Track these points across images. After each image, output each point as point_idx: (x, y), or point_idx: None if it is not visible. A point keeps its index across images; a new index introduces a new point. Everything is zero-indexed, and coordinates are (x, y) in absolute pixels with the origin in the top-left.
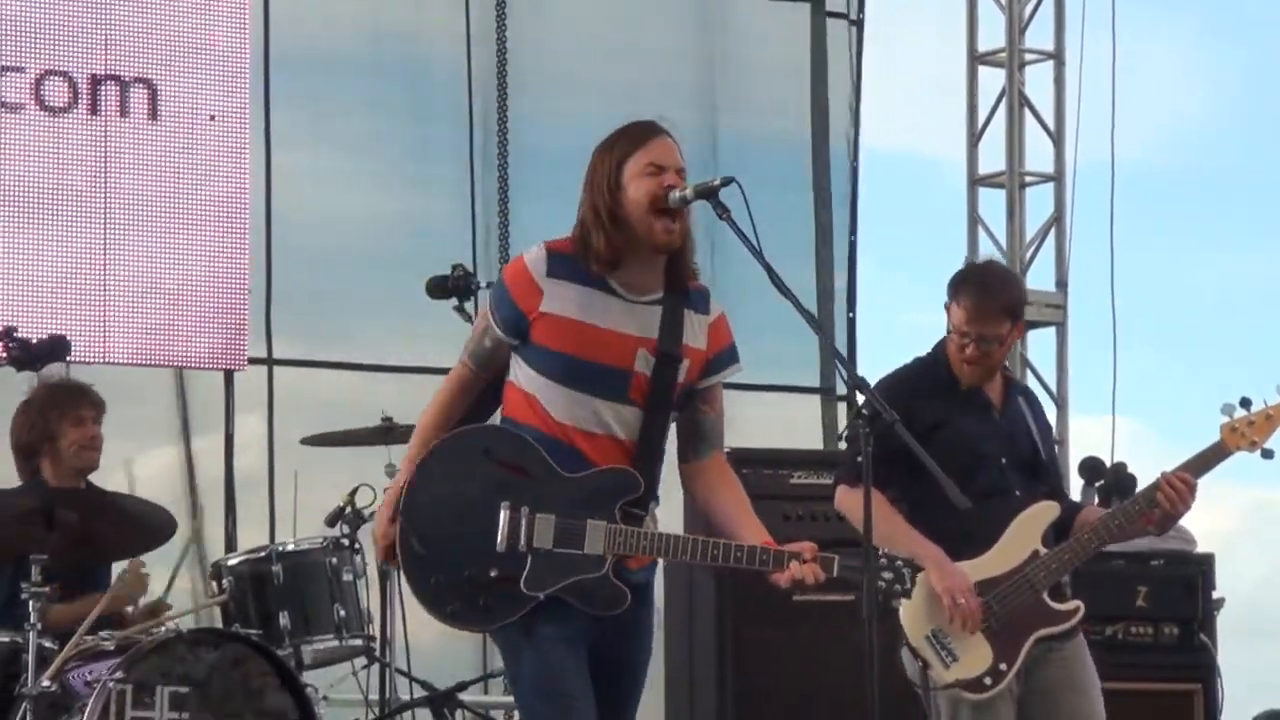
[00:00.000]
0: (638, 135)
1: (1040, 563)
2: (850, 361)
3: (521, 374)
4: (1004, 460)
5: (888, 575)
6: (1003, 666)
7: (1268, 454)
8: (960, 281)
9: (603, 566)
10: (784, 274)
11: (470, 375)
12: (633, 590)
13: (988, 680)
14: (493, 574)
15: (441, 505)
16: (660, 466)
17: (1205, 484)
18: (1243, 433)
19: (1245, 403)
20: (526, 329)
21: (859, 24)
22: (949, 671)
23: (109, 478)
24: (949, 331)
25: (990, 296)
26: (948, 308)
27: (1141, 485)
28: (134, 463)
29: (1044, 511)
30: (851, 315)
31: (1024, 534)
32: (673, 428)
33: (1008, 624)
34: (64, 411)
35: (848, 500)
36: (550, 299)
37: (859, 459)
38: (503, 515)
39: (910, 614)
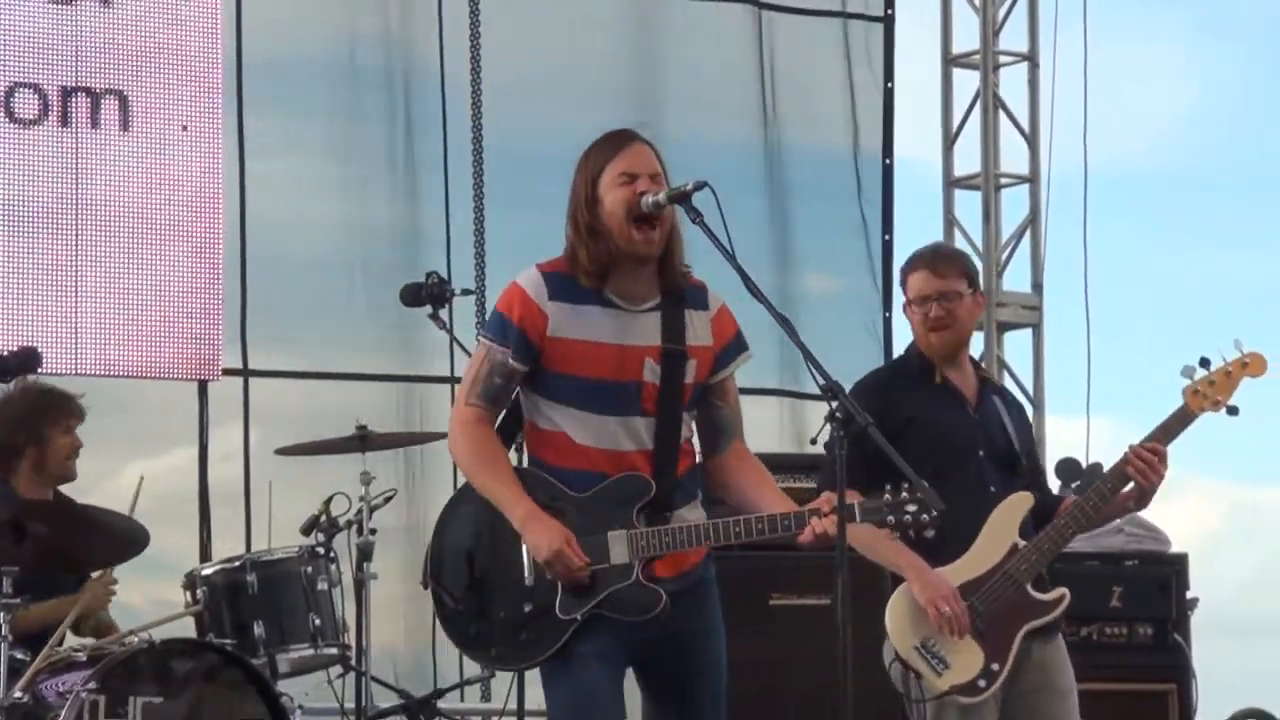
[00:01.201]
0: (611, 145)
1: (1020, 556)
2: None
3: (537, 411)
4: (980, 454)
5: (912, 508)
6: (995, 666)
7: (1233, 411)
8: (910, 259)
9: (631, 574)
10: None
11: (487, 414)
12: (674, 598)
13: (981, 683)
14: (527, 609)
15: (465, 557)
16: (682, 466)
17: (1190, 484)
18: (1204, 394)
19: (1204, 363)
20: (538, 355)
21: (889, 21)
22: (942, 679)
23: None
24: (909, 311)
25: (943, 258)
26: (904, 287)
27: None
28: (108, 475)
29: (1019, 503)
30: (887, 315)
31: (1001, 529)
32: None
33: (994, 622)
34: (55, 417)
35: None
36: (556, 323)
37: (836, 467)
38: (524, 550)
39: (897, 625)
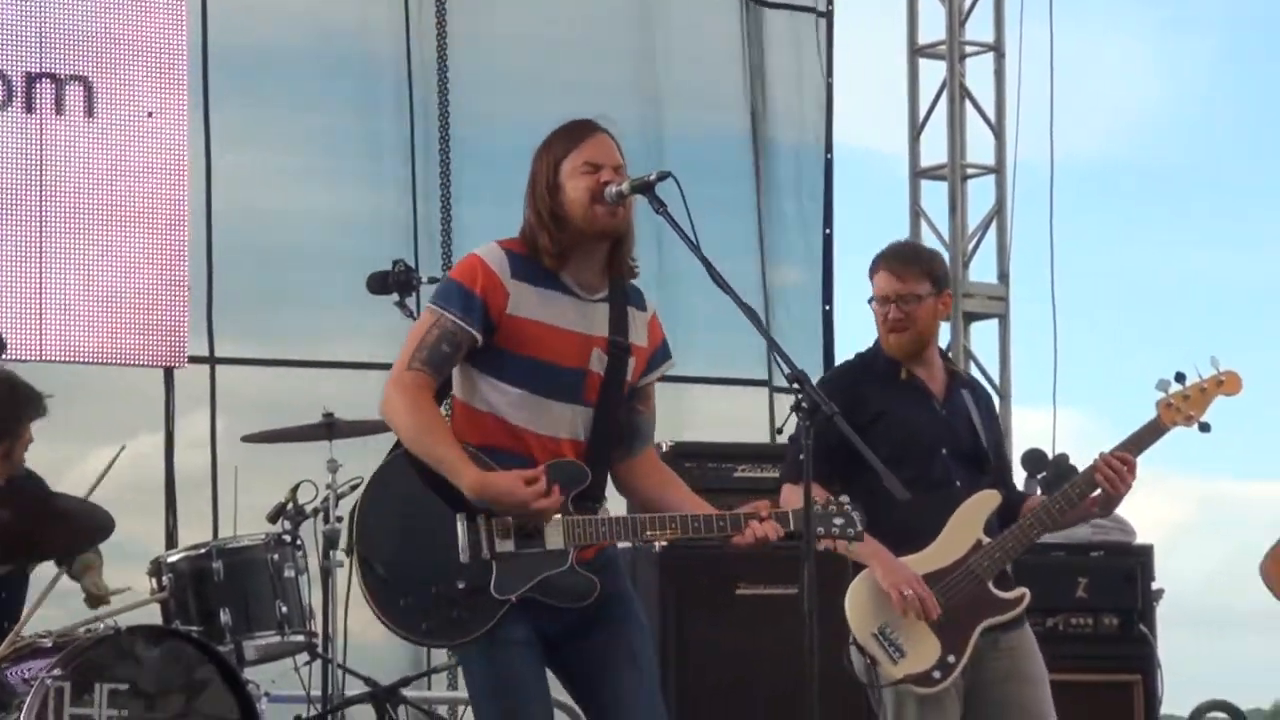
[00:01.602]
0: (574, 134)
1: (984, 552)
2: (828, 355)
3: (473, 388)
4: (944, 451)
5: (839, 521)
6: (951, 659)
7: (1205, 427)
8: (877, 256)
9: (566, 560)
10: (726, 267)
11: (429, 381)
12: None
13: (936, 674)
14: (460, 586)
15: (397, 527)
16: (608, 464)
17: (1159, 476)
18: (1178, 408)
19: (1180, 378)
20: (493, 330)
21: (828, 16)
22: (897, 667)
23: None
24: (873, 307)
25: (906, 259)
26: (872, 280)
27: None
28: (75, 461)
29: (985, 500)
30: (828, 308)
31: (966, 524)
32: None
33: (954, 616)
34: (33, 415)
35: (794, 499)
36: (516, 301)
37: (801, 457)
38: (460, 526)
39: (856, 611)
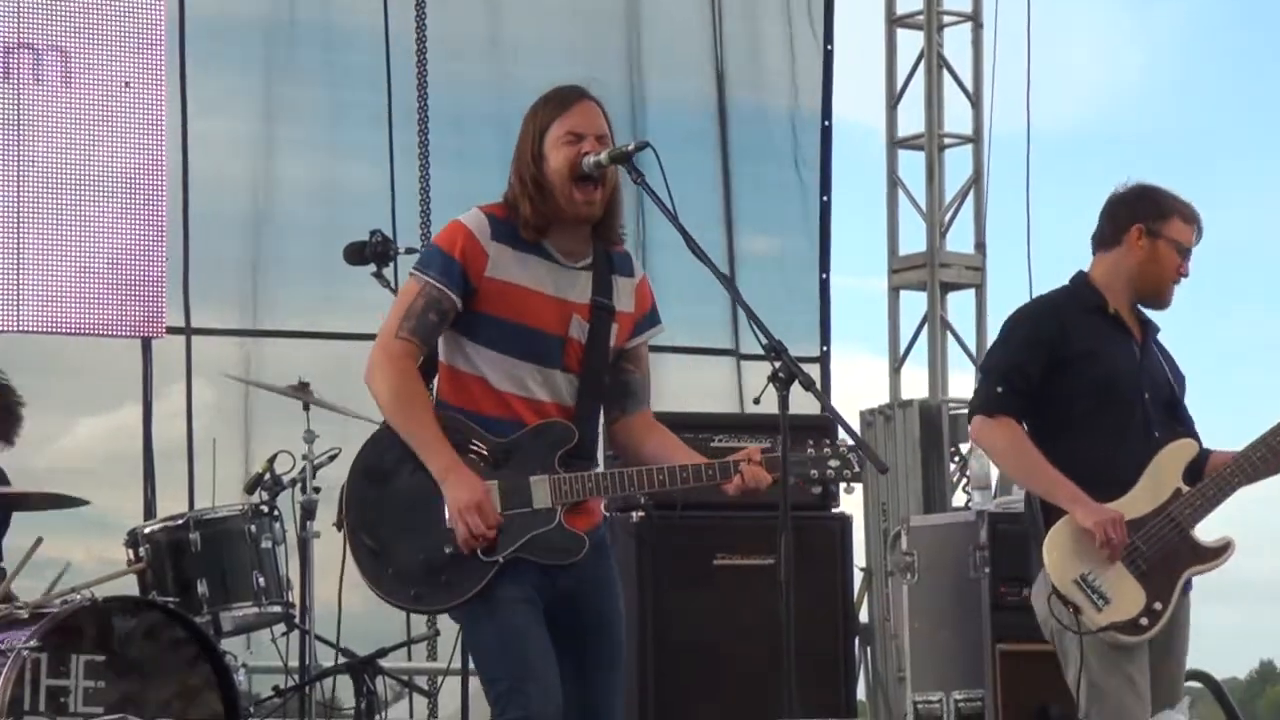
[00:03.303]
0: (560, 101)
1: (1185, 500)
2: (825, 324)
3: (459, 352)
4: (1146, 396)
5: (834, 463)
6: (1158, 606)
7: None
8: (1182, 204)
9: (554, 518)
10: (701, 235)
11: (416, 351)
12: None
13: (1144, 621)
14: (448, 550)
15: (383, 495)
16: (597, 427)
17: None
18: None
19: None
20: (473, 295)
21: None
22: (1101, 614)
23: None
24: (1159, 245)
25: (1199, 218)
26: (1158, 219)
27: None
28: (55, 435)
29: (1184, 449)
30: (825, 276)
31: (1165, 472)
32: None
33: (1157, 563)
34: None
35: (988, 433)
36: (495, 264)
37: (999, 390)
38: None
39: (1057, 558)
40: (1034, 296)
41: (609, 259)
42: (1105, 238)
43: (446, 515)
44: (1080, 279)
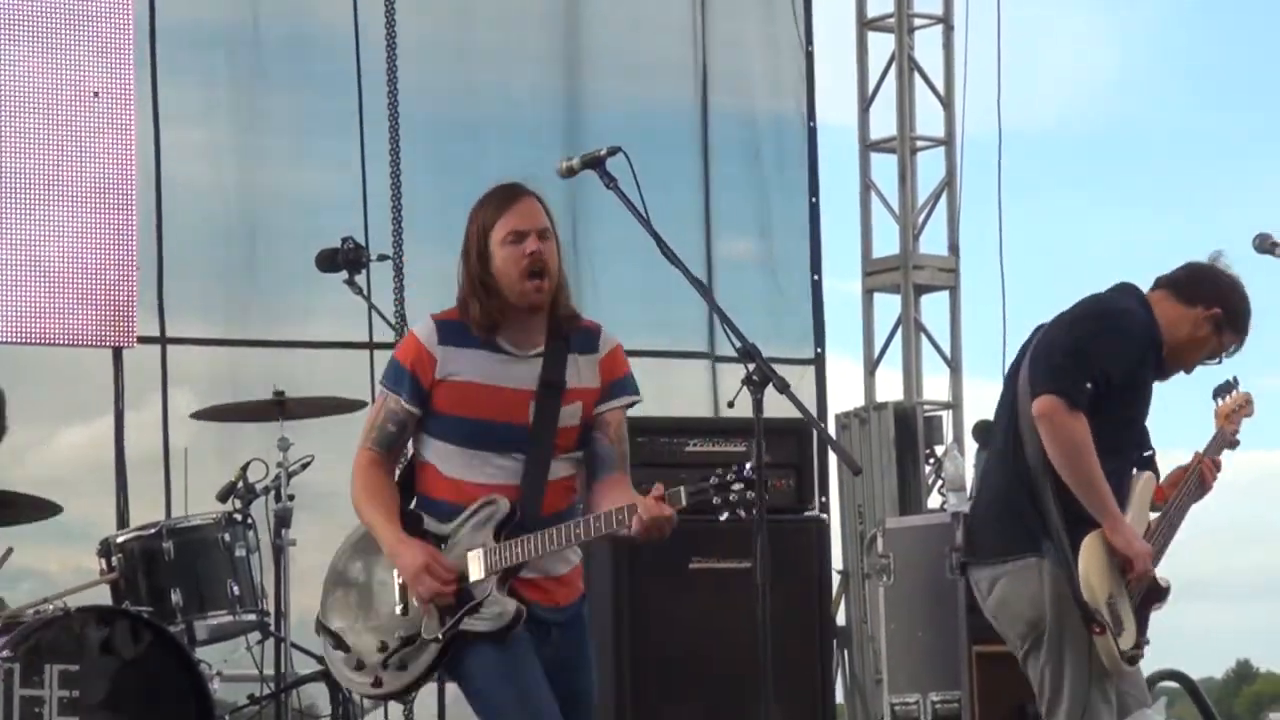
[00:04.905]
0: (499, 202)
1: (1156, 535)
2: (819, 326)
3: (424, 448)
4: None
5: (737, 487)
6: (1144, 640)
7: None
8: (1247, 314)
9: (488, 589)
10: (682, 238)
11: (381, 458)
12: (557, 627)
13: (1135, 654)
14: (399, 635)
15: (347, 603)
16: (558, 501)
17: None
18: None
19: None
20: (428, 398)
21: None
22: (1120, 640)
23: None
24: (1208, 335)
25: None
26: (1223, 326)
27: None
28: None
29: (1149, 484)
30: (816, 278)
31: (1141, 506)
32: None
33: (1141, 599)
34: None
35: (1066, 422)
36: (444, 365)
37: (1089, 386)
38: (396, 582)
39: (1097, 570)
40: (1120, 303)
41: (566, 341)
42: (1180, 290)
43: (397, 602)
44: (1150, 311)
